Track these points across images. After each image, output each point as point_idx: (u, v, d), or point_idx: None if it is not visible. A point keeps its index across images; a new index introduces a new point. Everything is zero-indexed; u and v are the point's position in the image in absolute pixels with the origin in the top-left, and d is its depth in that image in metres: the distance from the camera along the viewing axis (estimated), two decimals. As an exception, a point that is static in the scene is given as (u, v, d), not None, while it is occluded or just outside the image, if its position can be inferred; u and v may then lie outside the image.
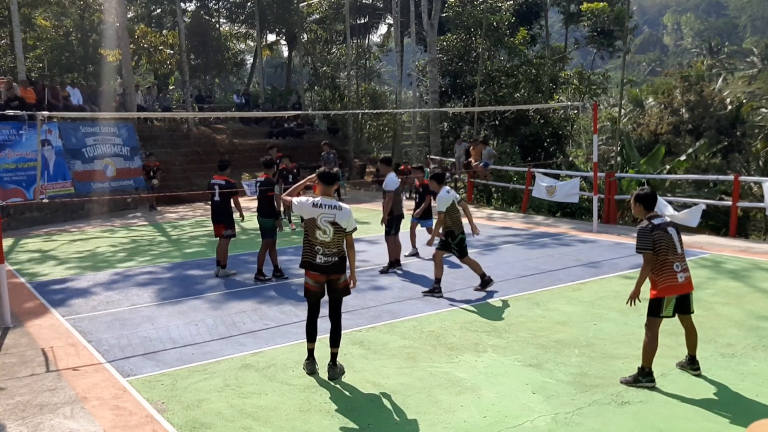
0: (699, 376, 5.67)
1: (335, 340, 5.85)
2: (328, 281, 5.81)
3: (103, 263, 11.58)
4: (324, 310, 5.98)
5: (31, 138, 17.15)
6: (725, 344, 6.45)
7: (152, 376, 6.04)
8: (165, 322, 7.74)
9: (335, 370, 5.82)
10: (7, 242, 13.59)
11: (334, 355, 5.84)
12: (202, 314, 8.06)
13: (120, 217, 18.24)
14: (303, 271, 5.88)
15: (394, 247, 10.22)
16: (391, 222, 10.22)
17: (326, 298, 5.95)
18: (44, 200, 16.52)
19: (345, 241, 5.80)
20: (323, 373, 5.87)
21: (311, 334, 5.94)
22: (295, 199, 5.93)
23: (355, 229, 5.87)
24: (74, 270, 11.09)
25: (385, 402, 5.32)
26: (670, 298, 5.46)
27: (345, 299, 6.01)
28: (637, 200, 5.66)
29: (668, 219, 5.67)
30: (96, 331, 7.47)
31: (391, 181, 10.23)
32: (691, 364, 5.75)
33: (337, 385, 5.68)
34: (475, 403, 5.25)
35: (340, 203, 5.82)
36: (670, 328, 6.89)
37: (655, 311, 5.51)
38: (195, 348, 6.79)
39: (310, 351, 5.96)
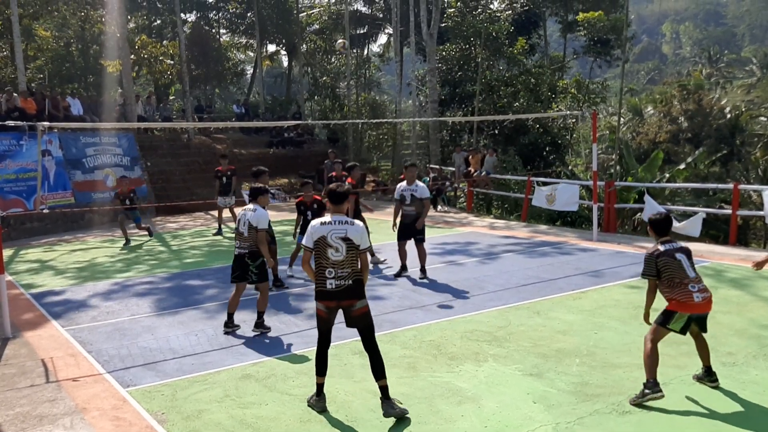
0: (717, 388, 5.57)
1: (379, 371, 5.24)
2: (340, 308, 5.30)
3: (103, 273, 11.57)
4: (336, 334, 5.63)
5: (32, 148, 17.18)
6: (726, 353, 6.43)
7: (152, 386, 6.03)
8: (165, 333, 7.73)
9: (389, 403, 5.13)
10: (7, 252, 13.59)
11: (383, 389, 5.20)
12: (201, 324, 8.05)
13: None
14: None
15: (420, 253, 10.28)
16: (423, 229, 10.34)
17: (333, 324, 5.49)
18: (44, 210, 16.49)
19: (360, 262, 5.31)
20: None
21: (321, 367, 5.42)
22: (313, 223, 5.50)
23: (369, 247, 5.52)
24: (74, 280, 11.08)
25: (386, 412, 5.30)
26: (683, 314, 5.37)
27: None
28: (649, 224, 5.73)
29: (681, 244, 5.59)
30: (96, 342, 7.46)
31: (424, 189, 10.39)
32: (708, 376, 5.64)
33: (338, 395, 5.66)
34: (476, 413, 5.24)
35: (353, 219, 5.46)
36: (672, 336, 6.87)
37: (663, 321, 5.45)
38: (195, 358, 6.78)
39: (319, 386, 5.41)
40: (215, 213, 20.14)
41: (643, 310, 5.68)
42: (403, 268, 10.40)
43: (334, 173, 14.78)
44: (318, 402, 5.38)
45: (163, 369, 6.48)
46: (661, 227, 5.61)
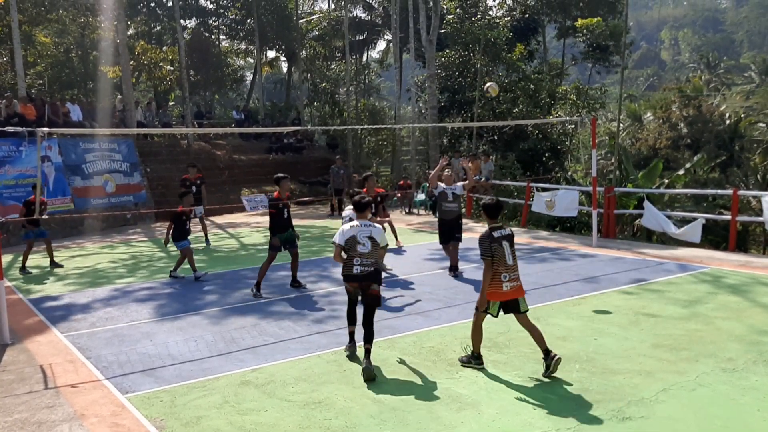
0: (551, 377, 6.00)
1: (368, 338, 6.49)
2: (361, 288, 6.64)
3: (103, 279, 11.56)
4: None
5: (31, 154, 17.19)
6: (726, 359, 6.42)
7: (151, 392, 6.01)
8: (164, 339, 7.72)
9: (368, 361, 6.28)
10: (6, 258, 13.57)
11: (367, 351, 6.39)
12: (201, 330, 8.03)
13: (119, 232, 18.23)
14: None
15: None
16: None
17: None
18: (44, 216, 16.49)
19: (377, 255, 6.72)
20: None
21: (350, 319, 6.97)
22: (344, 226, 6.90)
23: (387, 245, 6.90)
24: (73, 286, 11.06)
25: (385, 418, 5.29)
26: (495, 302, 6.13)
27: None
28: (482, 208, 6.52)
29: (509, 231, 6.36)
30: (95, 348, 7.45)
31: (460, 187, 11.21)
32: (546, 357, 6.08)
33: (337, 402, 5.65)
34: (475, 419, 5.23)
35: (374, 223, 6.84)
36: (670, 342, 6.89)
37: (485, 308, 6.22)
38: (194, 364, 6.76)
39: (351, 333, 6.95)
40: (214, 219, 20.24)
41: (482, 295, 6.19)
42: (455, 267, 10.80)
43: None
44: (349, 347, 6.89)
45: (162, 375, 6.47)
46: (492, 211, 6.41)
